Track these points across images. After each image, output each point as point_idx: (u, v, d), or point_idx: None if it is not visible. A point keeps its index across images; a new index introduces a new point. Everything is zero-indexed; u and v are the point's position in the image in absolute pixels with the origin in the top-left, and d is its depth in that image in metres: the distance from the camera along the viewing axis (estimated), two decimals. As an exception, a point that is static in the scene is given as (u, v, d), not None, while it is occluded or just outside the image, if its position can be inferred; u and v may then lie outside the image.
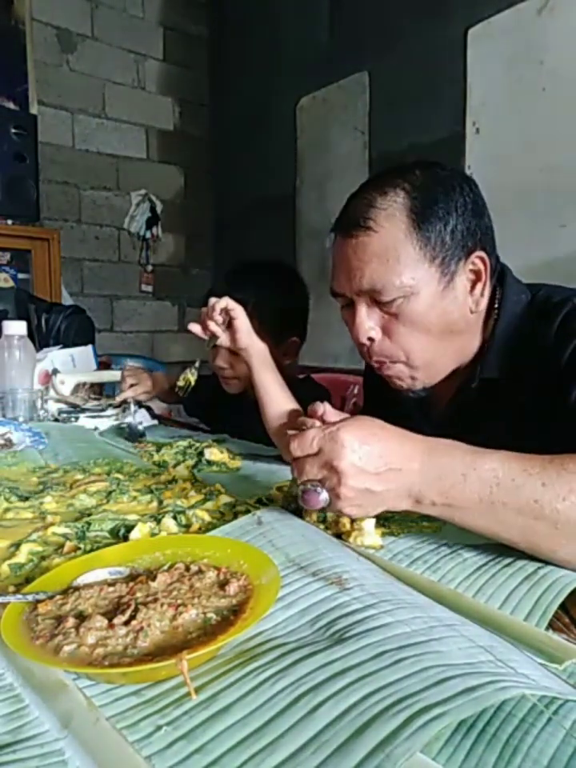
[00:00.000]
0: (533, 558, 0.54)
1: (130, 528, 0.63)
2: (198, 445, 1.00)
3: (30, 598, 0.46)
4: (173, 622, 0.42)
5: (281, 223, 3.26)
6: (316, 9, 3.00)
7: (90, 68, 3.33)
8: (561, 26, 2.05)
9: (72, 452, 1.06)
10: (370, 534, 0.60)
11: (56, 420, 1.36)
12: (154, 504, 0.75)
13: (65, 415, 1.37)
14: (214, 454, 0.95)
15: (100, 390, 1.65)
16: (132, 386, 1.42)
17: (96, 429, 1.30)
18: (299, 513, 0.66)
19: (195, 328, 0.98)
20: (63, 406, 1.45)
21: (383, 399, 0.92)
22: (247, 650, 0.40)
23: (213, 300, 0.95)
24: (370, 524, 0.60)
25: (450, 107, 2.41)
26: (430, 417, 0.89)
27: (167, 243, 3.72)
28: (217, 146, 3.78)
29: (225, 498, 0.75)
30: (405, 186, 0.75)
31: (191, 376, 1.01)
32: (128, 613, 0.42)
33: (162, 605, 0.43)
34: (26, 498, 0.76)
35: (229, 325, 0.96)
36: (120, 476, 0.87)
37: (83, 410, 1.40)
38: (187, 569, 0.49)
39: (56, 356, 1.61)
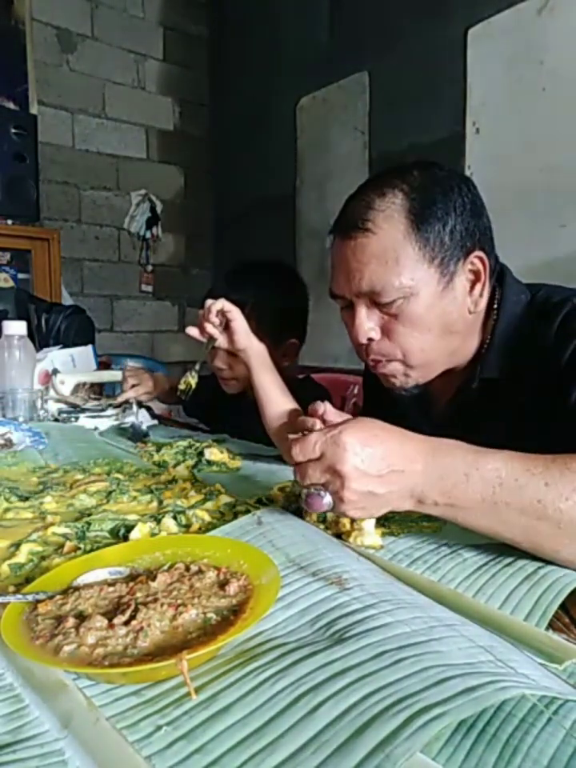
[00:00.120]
0: (533, 557, 0.54)
1: (130, 528, 0.63)
2: (198, 445, 1.00)
3: (30, 598, 0.46)
4: (173, 622, 0.42)
5: (281, 223, 3.26)
6: (316, 9, 3.00)
7: (90, 68, 3.33)
8: (561, 26, 2.05)
9: (72, 452, 1.06)
10: (370, 534, 0.60)
11: (56, 420, 1.36)
12: (154, 504, 0.75)
13: (65, 415, 1.37)
14: (214, 453, 0.95)
15: (100, 390, 1.65)
16: (133, 386, 1.42)
17: (96, 429, 1.30)
18: (299, 513, 0.66)
19: (193, 331, 0.98)
20: (63, 406, 1.45)
21: (383, 399, 0.92)
22: (247, 650, 0.40)
23: (209, 302, 0.95)
24: (369, 524, 0.60)
25: (450, 107, 2.41)
26: (430, 417, 0.89)
27: (167, 243, 3.72)
28: (217, 146, 3.78)
29: (225, 498, 0.75)
30: (403, 187, 0.75)
31: (192, 379, 1.01)
32: (128, 613, 0.42)
33: (162, 605, 0.43)
34: (26, 498, 0.76)
35: (226, 326, 0.96)
36: (120, 476, 0.87)
37: (83, 410, 1.40)
38: (187, 569, 0.49)
39: (56, 356, 1.61)
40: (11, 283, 2.78)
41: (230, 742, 0.32)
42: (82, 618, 0.42)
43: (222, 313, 0.95)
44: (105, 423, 1.33)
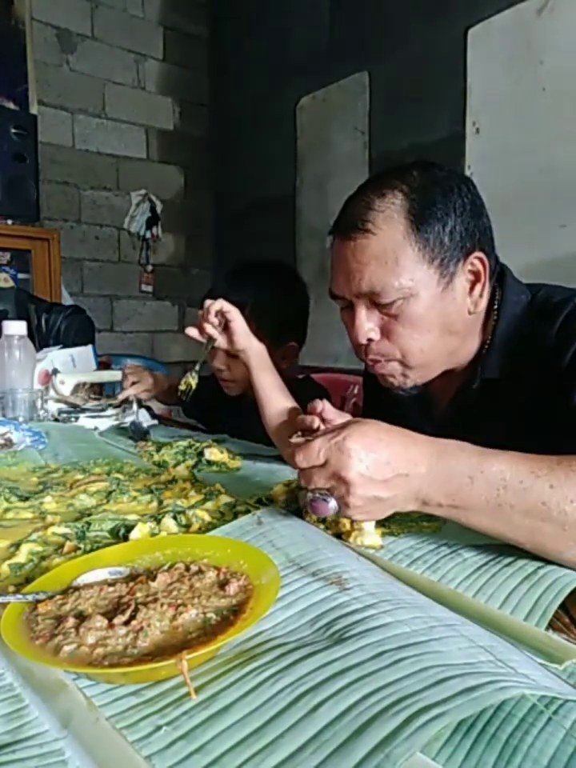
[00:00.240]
0: (533, 557, 0.54)
1: (130, 528, 0.63)
2: (198, 445, 1.00)
3: (30, 598, 0.46)
4: (173, 622, 0.42)
5: (281, 223, 3.26)
6: (316, 9, 3.00)
7: (90, 68, 3.33)
8: (561, 26, 2.05)
9: (72, 452, 1.06)
10: (370, 534, 0.60)
11: (56, 420, 1.36)
12: (154, 504, 0.75)
13: (65, 415, 1.37)
14: (214, 453, 0.95)
15: (100, 390, 1.65)
16: (133, 383, 1.42)
17: (96, 429, 1.30)
18: (299, 513, 0.66)
19: (192, 332, 0.98)
20: (63, 406, 1.45)
21: (383, 399, 0.92)
22: (247, 650, 0.41)
23: (208, 302, 0.95)
24: (370, 524, 0.60)
25: (450, 107, 2.41)
26: (431, 417, 0.89)
27: (167, 243, 3.72)
28: (217, 146, 3.78)
29: (225, 498, 0.75)
30: (403, 187, 0.75)
31: (192, 380, 1.01)
32: (128, 613, 0.42)
33: (162, 605, 0.43)
34: (26, 498, 0.76)
35: (225, 327, 0.95)
36: (120, 476, 0.87)
37: (83, 410, 1.40)
38: (187, 569, 0.49)
39: (56, 356, 1.61)
40: (11, 283, 2.78)
41: (230, 741, 0.32)
42: (81, 617, 0.42)
43: (221, 313, 0.95)
44: (105, 423, 1.33)
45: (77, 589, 0.47)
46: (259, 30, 3.37)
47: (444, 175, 0.77)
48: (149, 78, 3.58)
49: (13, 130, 2.65)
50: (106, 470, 0.91)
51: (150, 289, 3.66)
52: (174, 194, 3.73)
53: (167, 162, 3.69)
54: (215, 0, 3.70)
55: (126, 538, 0.62)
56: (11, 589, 0.52)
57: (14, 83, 3.02)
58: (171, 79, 3.67)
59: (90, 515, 0.69)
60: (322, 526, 0.64)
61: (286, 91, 3.20)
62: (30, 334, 1.53)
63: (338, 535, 0.62)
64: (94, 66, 3.34)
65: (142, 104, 3.55)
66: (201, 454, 0.96)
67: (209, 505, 0.73)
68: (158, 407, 1.56)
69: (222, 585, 0.46)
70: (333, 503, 0.56)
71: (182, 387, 1.01)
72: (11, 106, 2.98)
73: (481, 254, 0.77)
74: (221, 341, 0.96)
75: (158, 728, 0.34)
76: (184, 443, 1.02)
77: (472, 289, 0.78)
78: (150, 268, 3.64)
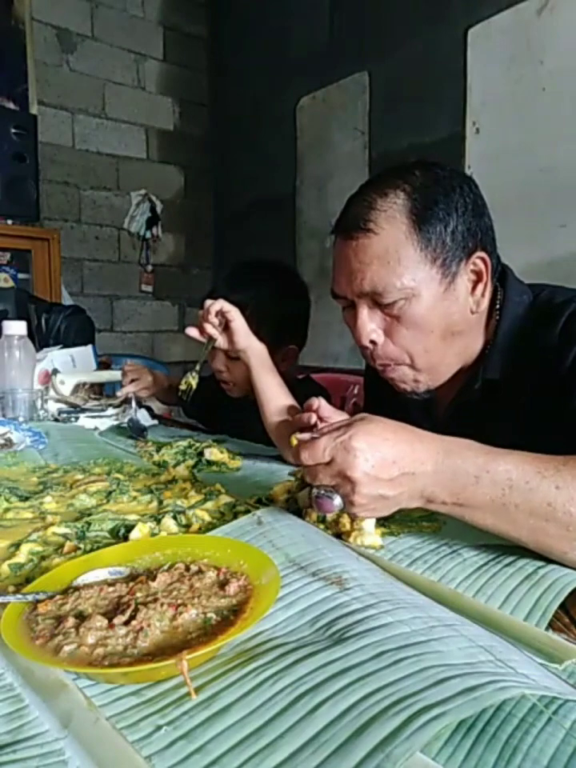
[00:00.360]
0: (533, 557, 0.54)
1: (130, 528, 0.63)
2: (198, 445, 1.00)
3: (30, 598, 0.46)
4: (173, 622, 0.42)
5: (281, 223, 3.26)
6: (316, 9, 3.00)
7: (90, 68, 3.33)
8: (561, 26, 2.05)
9: (72, 452, 1.06)
10: (370, 534, 0.60)
11: (56, 420, 1.36)
12: (154, 504, 0.75)
13: (65, 415, 1.37)
14: (214, 454, 0.95)
15: (100, 390, 1.65)
16: (133, 381, 1.42)
17: (96, 429, 1.30)
18: (299, 513, 0.66)
19: (192, 332, 0.97)
20: (63, 406, 1.45)
21: (384, 399, 0.92)
22: (247, 650, 0.40)
23: (208, 302, 0.95)
24: (370, 524, 0.60)
25: (450, 107, 2.41)
26: (432, 416, 0.89)
27: (167, 243, 3.72)
28: (217, 146, 3.78)
29: (225, 498, 0.75)
30: (405, 187, 0.74)
31: (192, 380, 1.01)
32: (128, 613, 0.42)
33: (162, 605, 0.43)
34: (26, 498, 0.76)
35: (226, 327, 0.95)
36: (120, 476, 0.87)
37: (83, 410, 1.40)
38: (187, 569, 0.49)
39: (56, 356, 1.61)
40: (11, 283, 2.78)
41: (230, 741, 0.32)
42: (81, 618, 0.42)
43: (221, 313, 0.95)
44: (105, 423, 1.33)
45: (77, 589, 0.47)
46: (259, 30, 3.37)
47: (446, 175, 0.77)
48: (149, 78, 3.58)
49: (13, 130, 2.65)
50: (106, 470, 0.91)
51: (150, 289, 3.66)
52: (174, 193, 3.72)
53: (167, 161, 3.69)
54: (215, 0, 3.70)
55: (125, 538, 0.62)
56: (11, 589, 0.52)
57: (14, 83, 3.02)
58: (171, 79, 3.67)
59: (90, 515, 0.69)
60: (322, 526, 0.64)
61: (285, 91, 3.20)
62: (30, 334, 1.53)
63: (338, 535, 0.62)
64: (94, 66, 3.34)
65: (141, 104, 3.55)
66: (201, 454, 0.96)
67: (209, 505, 0.73)
68: (157, 407, 1.56)
69: (222, 585, 0.46)
70: (338, 500, 0.56)
71: (183, 387, 1.01)
72: (11, 106, 2.98)
73: (483, 254, 0.76)
74: (221, 341, 0.96)
75: (158, 728, 0.34)
76: (184, 443, 1.02)
77: (474, 288, 0.78)
78: (150, 268, 3.63)
